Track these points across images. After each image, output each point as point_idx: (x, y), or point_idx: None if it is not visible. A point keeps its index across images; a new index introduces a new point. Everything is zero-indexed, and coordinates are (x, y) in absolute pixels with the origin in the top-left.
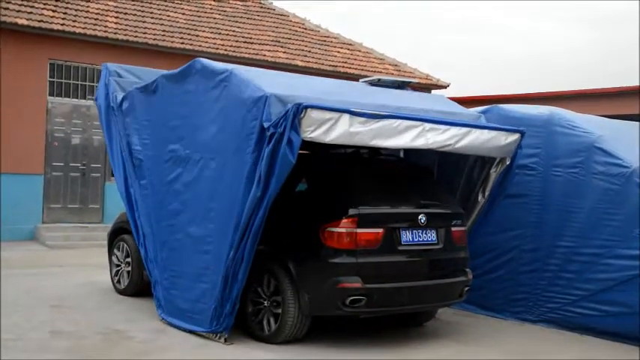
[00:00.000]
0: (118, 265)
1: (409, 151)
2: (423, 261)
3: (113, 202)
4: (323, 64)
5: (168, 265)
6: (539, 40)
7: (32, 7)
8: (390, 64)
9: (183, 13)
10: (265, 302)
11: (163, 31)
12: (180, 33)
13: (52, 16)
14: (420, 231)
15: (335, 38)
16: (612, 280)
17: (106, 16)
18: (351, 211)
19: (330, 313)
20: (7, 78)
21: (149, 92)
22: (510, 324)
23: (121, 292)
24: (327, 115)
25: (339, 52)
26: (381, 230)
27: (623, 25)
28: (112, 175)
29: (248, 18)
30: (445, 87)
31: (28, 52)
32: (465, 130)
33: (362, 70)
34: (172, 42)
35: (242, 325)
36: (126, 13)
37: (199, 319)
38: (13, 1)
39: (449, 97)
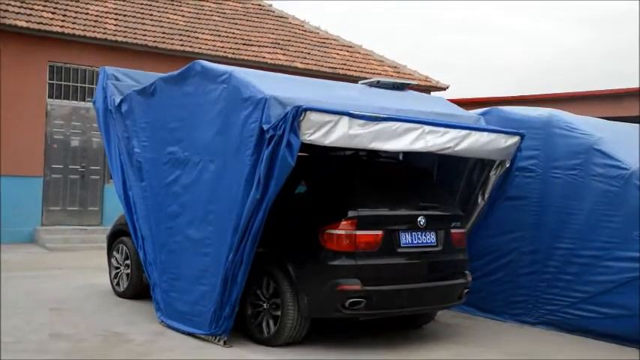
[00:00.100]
0: (117, 268)
1: (408, 153)
2: (422, 263)
3: (112, 205)
4: (322, 66)
5: (167, 267)
6: (538, 41)
7: (31, 9)
8: (389, 66)
9: (183, 15)
10: (264, 305)
11: (163, 33)
12: (180, 35)
13: (51, 19)
14: (420, 233)
15: (335, 40)
16: (611, 283)
17: (106, 18)
18: (351, 214)
19: (330, 316)
20: (6, 80)
21: (148, 94)
22: (510, 326)
23: (120, 295)
24: (327, 117)
25: (338, 54)
26: (380, 232)
27: (623, 26)
28: (111, 178)
29: (247, 20)
30: (444, 89)
31: (27, 55)
32: (464, 132)
33: (361, 72)
34: (172, 44)
35: (241, 328)
36: (125, 15)
37: (198, 321)
38: (12, 4)
39: (448, 99)
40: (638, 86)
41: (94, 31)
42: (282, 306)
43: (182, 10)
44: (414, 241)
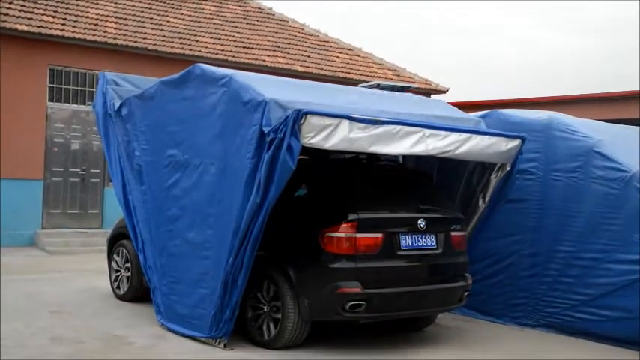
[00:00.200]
0: (117, 271)
1: (409, 156)
2: (422, 266)
3: (113, 208)
4: (322, 69)
5: (167, 270)
6: (539, 44)
7: (32, 12)
8: (389, 69)
9: (183, 19)
10: (265, 307)
11: (163, 36)
12: (180, 38)
13: (51, 22)
14: (420, 236)
15: (334, 43)
16: (612, 285)
17: (106, 21)
18: (351, 216)
19: (330, 318)
20: (6, 84)
21: (148, 98)
22: (510, 329)
23: (121, 298)
24: (327, 121)
25: (338, 57)
26: (380, 235)
27: (623, 30)
28: (111, 181)
29: (247, 23)
30: (444, 91)
31: (27, 58)
32: (465, 136)
33: (361, 75)
34: (172, 47)
35: (242, 331)
36: (125, 19)
37: (199, 324)
38: (12, 7)
39: (448, 102)
40: (637, 89)
41: (94, 35)
42: (282, 309)
43: (182, 14)
44: (415, 244)
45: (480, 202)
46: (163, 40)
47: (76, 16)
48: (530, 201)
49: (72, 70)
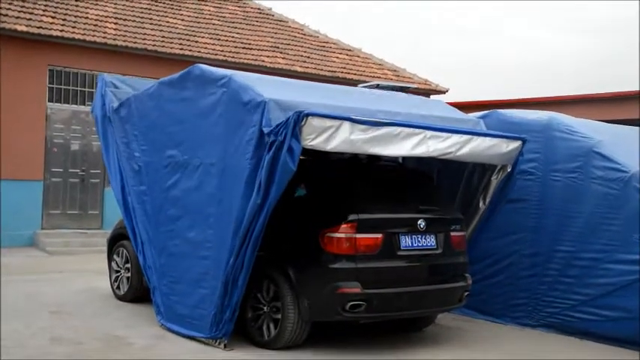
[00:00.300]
0: (117, 271)
1: (409, 157)
2: (422, 266)
3: (112, 208)
4: (322, 69)
5: (167, 271)
6: (539, 44)
7: (31, 13)
8: (388, 70)
9: (182, 19)
10: (265, 308)
11: (162, 37)
12: (180, 39)
13: (51, 23)
14: (420, 236)
15: (334, 44)
16: (612, 285)
17: (105, 22)
18: (351, 217)
19: (330, 319)
20: (6, 84)
21: (147, 98)
22: (510, 329)
23: (121, 298)
24: (328, 122)
25: (337, 57)
26: (380, 235)
27: (623, 30)
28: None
29: (247, 24)
30: (444, 92)
31: (27, 59)
32: (466, 137)
33: (361, 75)
34: (171, 48)
35: (242, 331)
36: (125, 19)
37: (199, 324)
38: (12, 8)
39: (448, 102)
40: (637, 89)
41: (93, 35)
42: (282, 309)
43: (182, 14)
44: (414, 244)
45: (481, 204)
46: (163, 41)
47: (75, 16)
48: (530, 201)
49: (71, 71)
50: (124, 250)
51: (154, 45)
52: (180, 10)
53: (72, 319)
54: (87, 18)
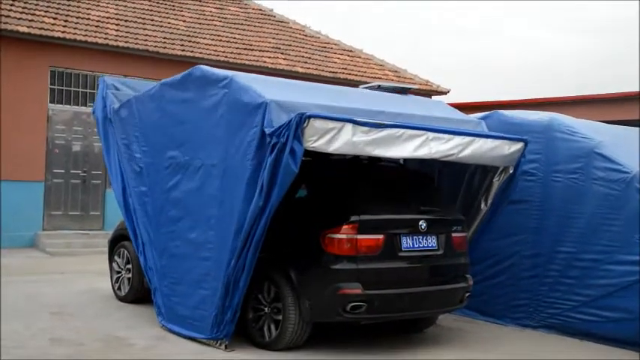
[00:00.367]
0: (118, 272)
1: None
2: (423, 267)
3: (114, 209)
4: (323, 70)
5: (168, 272)
6: (539, 44)
7: (33, 14)
8: (390, 70)
9: (184, 20)
10: (266, 309)
11: (164, 38)
12: (181, 40)
13: (52, 24)
14: (421, 237)
15: (335, 45)
16: (613, 286)
17: (107, 23)
18: (352, 218)
19: (331, 320)
20: (7, 85)
21: (148, 99)
22: (511, 330)
23: (122, 299)
24: (330, 124)
25: (339, 58)
26: (381, 236)
27: (623, 30)
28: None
29: (248, 25)
30: (445, 93)
31: (28, 60)
32: (468, 139)
33: (362, 76)
34: (173, 49)
35: (243, 332)
36: (126, 21)
37: (200, 325)
38: (14, 9)
39: (449, 103)
40: (638, 90)
41: (95, 37)
42: (283, 310)
43: (183, 15)
44: (416, 245)
45: (482, 205)
46: (164, 42)
47: (77, 18)
48: (531, 202)
49: (73, 72)
50: (125, 251)
51: (155, 46)
52: (181, 11)
53: (73, 319)
54: (88, 19)
